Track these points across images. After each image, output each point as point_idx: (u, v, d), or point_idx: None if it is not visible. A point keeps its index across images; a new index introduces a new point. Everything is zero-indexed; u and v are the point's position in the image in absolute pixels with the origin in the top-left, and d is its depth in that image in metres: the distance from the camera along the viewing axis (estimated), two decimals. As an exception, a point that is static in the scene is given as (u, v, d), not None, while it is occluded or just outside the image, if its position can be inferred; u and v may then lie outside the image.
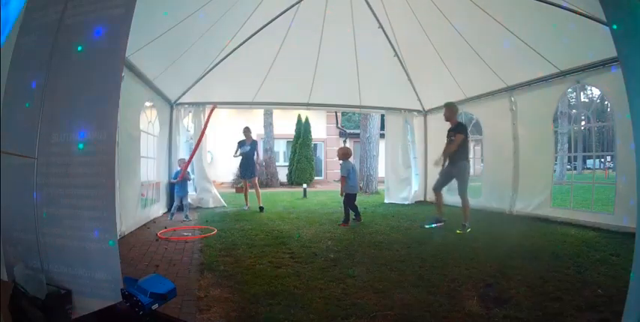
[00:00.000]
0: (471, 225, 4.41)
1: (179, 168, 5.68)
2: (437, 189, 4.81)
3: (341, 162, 5.44)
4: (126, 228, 4.26)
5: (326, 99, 7.56)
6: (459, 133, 4.46)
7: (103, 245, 1.60)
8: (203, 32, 4.92)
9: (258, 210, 6.55)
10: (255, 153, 6.84)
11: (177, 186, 5.57)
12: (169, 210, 6.34)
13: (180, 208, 5.55)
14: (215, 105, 5.77)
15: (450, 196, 7.19)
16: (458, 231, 4.33)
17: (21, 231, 1.75)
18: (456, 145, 4.46)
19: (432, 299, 2.25)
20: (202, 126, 6.35)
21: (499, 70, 5.50)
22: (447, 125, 4.73)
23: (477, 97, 6.36)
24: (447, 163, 4.66)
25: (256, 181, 6.86)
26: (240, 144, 6.78)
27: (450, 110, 4.70)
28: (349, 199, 5.17)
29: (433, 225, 4.68)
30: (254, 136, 7.37)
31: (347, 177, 5.19)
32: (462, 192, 4.53)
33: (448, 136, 4.69)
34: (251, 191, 6.93)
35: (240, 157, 6.77)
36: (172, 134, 6.72)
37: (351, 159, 5.41)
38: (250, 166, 6.75)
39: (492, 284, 2.50)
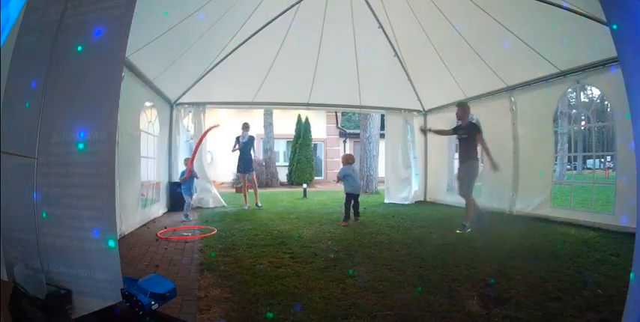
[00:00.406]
0: (471, 225, 4.41)
1: (186, 168, 5.67)
2: (465, 193, 4.61)
3: (341, 166, 5.61)
4: (126, 228, 4.27)
5: (326, 99, 7.56)
6: (479, 133, 4.43)
7: (103, 245, 1.60)
8: (203, 32, 4.92)
9: (256, 208, 6.67)
10: (253, 149, 7.00)
11: (184, 185, 5.56)
12: (169, 210, 6.36)
13: (181, 207, 5.55)
14: (216, 125, 6.02)
15: (451, 196, 7.22)
16: (458, 231, 4.33)
17: (21, 231, 1.75)
18: (486, 144, 4.41)
19: (432, 299, 2.25)
20: (203, 131, 6.43)
21: (499, 70, 5.50)
22: (448, 125, 4.67)
23: (477, 97, 6.35)
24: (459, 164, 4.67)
25: (254, 177, 7.03)
26: (238, 139, 6.95)
27: (463, 110, 4.63)
28: (349, 199, 5.23)
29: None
30: (254, 136, 7.45)
31: (343, 178, 5.34)
32: (467, 191, 4.48)
33: (459, 134, 4.65)
34: (251, 191, 7.02)
35: (238, 152, 6.93)
36: (172, 134, 6.73)
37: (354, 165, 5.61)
38: (248, 161, 6.90)
39: (492, 284, 2.50)
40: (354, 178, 5.36)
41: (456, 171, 7.75)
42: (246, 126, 6.93)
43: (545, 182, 5.20)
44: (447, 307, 2.13)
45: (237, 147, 6.93)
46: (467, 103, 4.86)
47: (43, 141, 1.73)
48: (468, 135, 4.50)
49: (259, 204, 6.83)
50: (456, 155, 5.22)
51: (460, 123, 4.71)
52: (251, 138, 6.98)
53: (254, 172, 7.09)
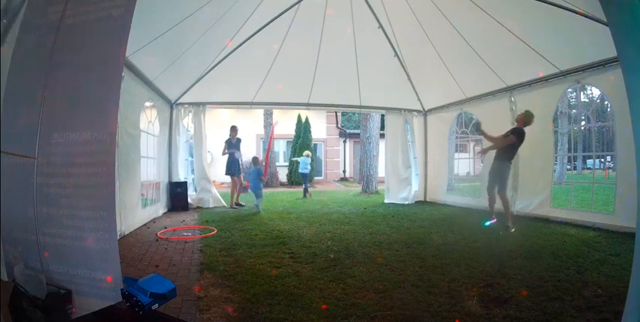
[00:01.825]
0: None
1: (255, 166, 6.21)
2: (489, 190, 4.78)
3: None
4: (126, 228, 4.27)
5: (326, 99, 7.56)
6: (514, 134, 4.47)
7: (103, 245, 1.60)
8: (203, 32, 4.92)
9: (240, 206, 6.95)
10: (238, 151, 7.21)
11: (259, 182, 6.13)
12: (169, 210, 6.36)
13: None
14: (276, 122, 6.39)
15: (451, 196, 7.22)
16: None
17: (21, 231, 1.75)
18: (506, 142, 4.51)
19: (432, 299, 2.25)
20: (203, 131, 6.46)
21: (499, 70, 5.50)
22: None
23: (477, 97, 6.35)
24: (492, 161, 4.74)
25: (241, 179, 7.29)
26: (228, 142, 7.09)
27: (524, 118, 4.63)
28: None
29: (487, 223, 4.71)
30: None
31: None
32: (501, 190, 4.55)
33: (505, 133, 4.68)
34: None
35: (227, 155, 7.15)
36: (172, 134, 6.73)
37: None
38: (237, 163, 7.09)
39: (492, 284, 2.50)
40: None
41: (456, 170, 7.77)
42: (233, 129, 7.16)
43: (545, 182, 5.20)
44: (447, 307, 2.13)
45: (226, 150, 7.10)
46: (533, 116, 4.76)
47: (43, 141, 1.73)
48: (510, 134, 4.54)
49: (239, 203, 7.07)
50: (456, 155, 5.28)
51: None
52: (238, 141, 7.18)
53: (241, 174, 7.30)
